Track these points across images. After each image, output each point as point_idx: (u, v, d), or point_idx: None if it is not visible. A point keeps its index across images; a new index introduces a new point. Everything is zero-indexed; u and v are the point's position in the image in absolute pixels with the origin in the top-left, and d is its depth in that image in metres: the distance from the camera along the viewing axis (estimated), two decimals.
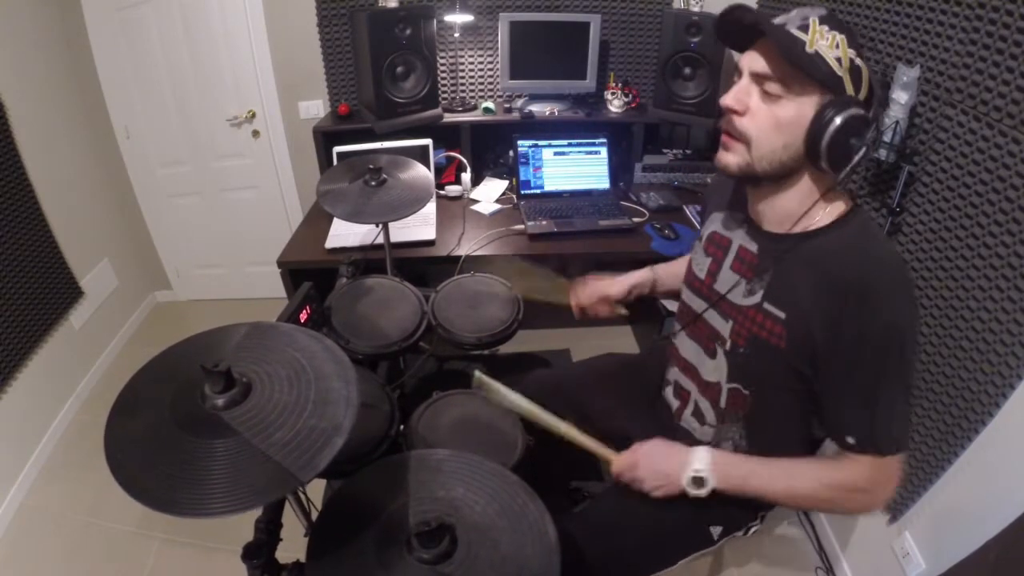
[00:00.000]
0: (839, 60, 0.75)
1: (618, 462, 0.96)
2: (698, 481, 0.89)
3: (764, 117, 0.79)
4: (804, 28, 0.76)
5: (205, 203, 2.55)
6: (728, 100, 0.82)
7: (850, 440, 0.83)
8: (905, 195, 1.20)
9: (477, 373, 1.03)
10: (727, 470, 0.89)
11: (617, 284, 1.26)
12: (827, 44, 0.75)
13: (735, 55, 0.91)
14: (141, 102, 2.29)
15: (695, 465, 0.89)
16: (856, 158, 0.76)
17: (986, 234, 1.02)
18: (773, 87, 0.78)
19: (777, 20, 0.79)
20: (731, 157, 0.84)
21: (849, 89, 0.75)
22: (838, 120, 0.74)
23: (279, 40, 2.18)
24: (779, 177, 0.83)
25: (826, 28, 0.75)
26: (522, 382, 1.28)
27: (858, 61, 0.76)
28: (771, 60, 0.77)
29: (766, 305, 0.87)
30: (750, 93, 0.80)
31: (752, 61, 0.80)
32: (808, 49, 0.74)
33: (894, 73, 1.14)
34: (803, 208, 0.84)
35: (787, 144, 0.79)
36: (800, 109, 0.77)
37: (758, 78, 0.79)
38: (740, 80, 0.82)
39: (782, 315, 0.85)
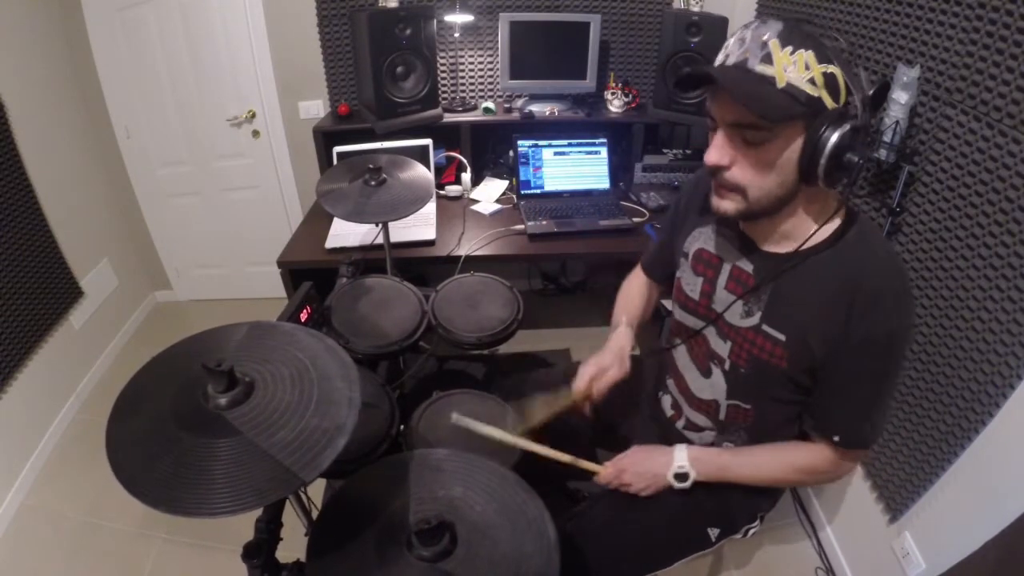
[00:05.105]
0: (812, 81, 0.68)
1: (604, 473, 1.01)
2: (681, 476, 0.97)
3: (753, 164, 0.75)
4: (768, 58, 0.69)
5: (205, 203, 2.55)
6: (712, 158, 0.77)
7: (836, 439, 0.85)
8: (905, 195, 1.20)
9: (454, 416, 1.00)
10: (704, 465, 0.97)
11: (621, 362, 1.07)
12: (797, 70, 0.68)
13: None
14: (141, 102, 2.29)
15: (678, 462, 0.97)
16: (857, 170, 0.70)
17: (986, 234, 1.02)
18: (752, 135, 0.72)
19: (735, 55, 0.72)
20: (728, 204, 0.80)
21: (829, 103, 0.70)
22: (829, 145, 0.69)
23: (279, 40, 2.18)
24: (777, 210, 0.80)
25: (790, 50, 0.68)
26: (526, 381, 1.28)
27: (830, 70, 0.68)
28: (743, 109, 0.70)
29: (765, 327, 0.86)
30: (731, 142, 0.75)
31: (723, 112, 0.74)
32: (779, 85, 0.68)
33: (894, 73, 1.14)
34: (805, 227, 0.81)
35: (781, 181, 0.75)
36: (786, 146, 0.72)
37: (735, 127, 0.74)
38: (716, 132, 0.77)
39: (782, 337, 0.84)
